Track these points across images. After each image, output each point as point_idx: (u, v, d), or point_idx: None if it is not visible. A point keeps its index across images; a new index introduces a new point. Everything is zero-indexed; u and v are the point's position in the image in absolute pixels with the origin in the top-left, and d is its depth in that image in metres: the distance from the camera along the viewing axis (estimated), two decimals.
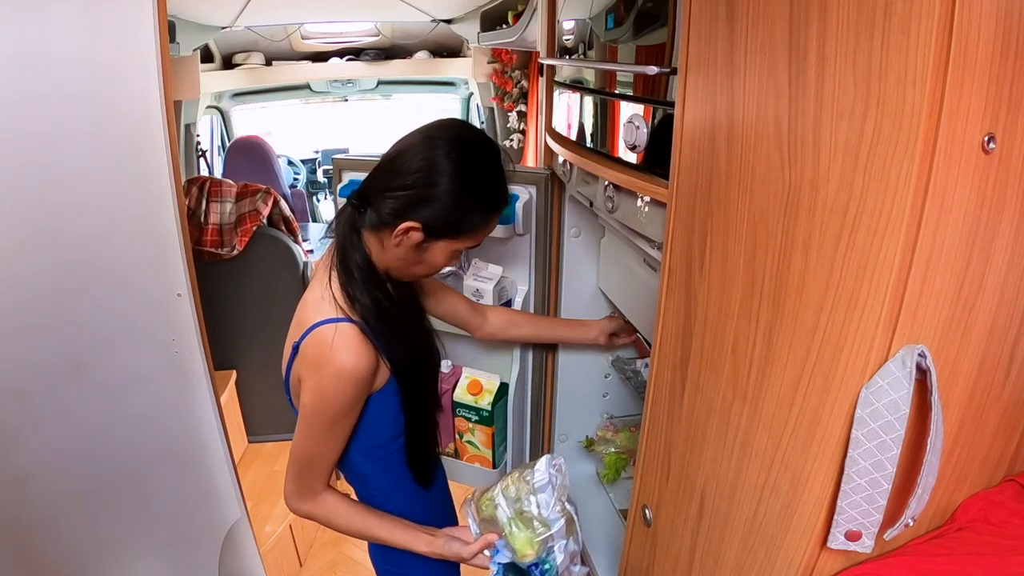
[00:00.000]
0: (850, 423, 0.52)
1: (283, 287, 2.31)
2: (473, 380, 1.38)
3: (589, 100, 1.05)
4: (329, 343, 0.86)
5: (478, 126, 4.18)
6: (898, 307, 0.49)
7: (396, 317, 0.93)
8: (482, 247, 1.04)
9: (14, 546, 1.27)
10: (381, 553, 1.07)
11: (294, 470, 0.96)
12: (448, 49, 3.81)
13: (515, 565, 0.98)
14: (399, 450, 1.00)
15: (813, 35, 0.51)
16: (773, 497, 0.62)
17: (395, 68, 3.78)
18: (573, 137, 1.12)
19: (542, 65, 1.28)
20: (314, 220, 4.74)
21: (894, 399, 0.49)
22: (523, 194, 1.27)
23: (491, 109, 3.70)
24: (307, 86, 3.97)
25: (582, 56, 1.07)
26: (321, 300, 0.90)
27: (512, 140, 3.60)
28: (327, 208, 4.93)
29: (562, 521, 0.96)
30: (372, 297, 0.90)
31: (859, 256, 0.50)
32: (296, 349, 0.90)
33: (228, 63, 3.51)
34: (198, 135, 3.36)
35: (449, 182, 0.85)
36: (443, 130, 0.89)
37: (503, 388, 1.39)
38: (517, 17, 2.54)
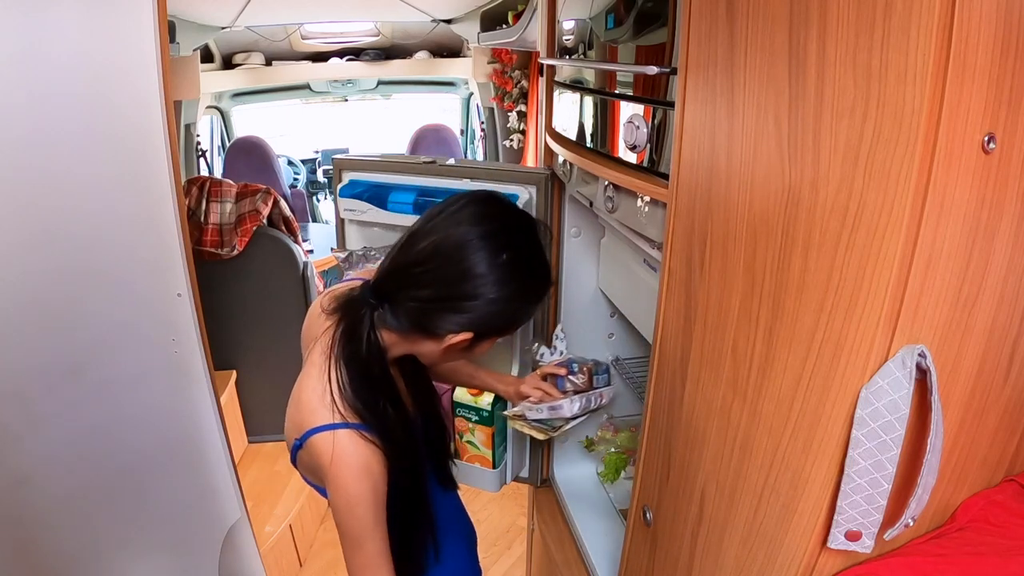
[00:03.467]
0: (850, 423, 0.52)
1: (283, 287, 2.31)
2: None
3: (589, 100, 1.05)
4: (328, 457, 0.79)
5: (479, 122, 4.17)
6: (898, 307, 0.49)
7: (395, 426, 0.85)
8: None
9: (14, 546, 1.27)
10: None
11: None
12: (448, 49, 3.82)
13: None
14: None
15: (813, 35, 0.51)
16: (773, 497, 0.62)
17: (395, 68, 3.78)
18: (573, 137, 1.12)
19: (542, 65, 1.28)
20: (314, 220, 4.75)
21: (894, 399, 0.49)
22: (523, 194, 1.27)
23: (491, 109, 3.71)
24: (307, 86, 3.97)
25: (582, 56, 1.07)
26: (320, 399, 0.82)
27: (512, 140, 3.60)
28: (327, 208, 4.94)
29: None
30: (375, 402, 0.84)
31: (859, 256, 0.50)
32: (297, 447, 0.84)
33: (228, 63, 3.51)
34: (198, 135, 3.36)
35: (499, 290, 0.79)
36: (475, 224, 0.79)
37: None
38: (517, 17, 2.55)
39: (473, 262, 0.78)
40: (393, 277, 0.84)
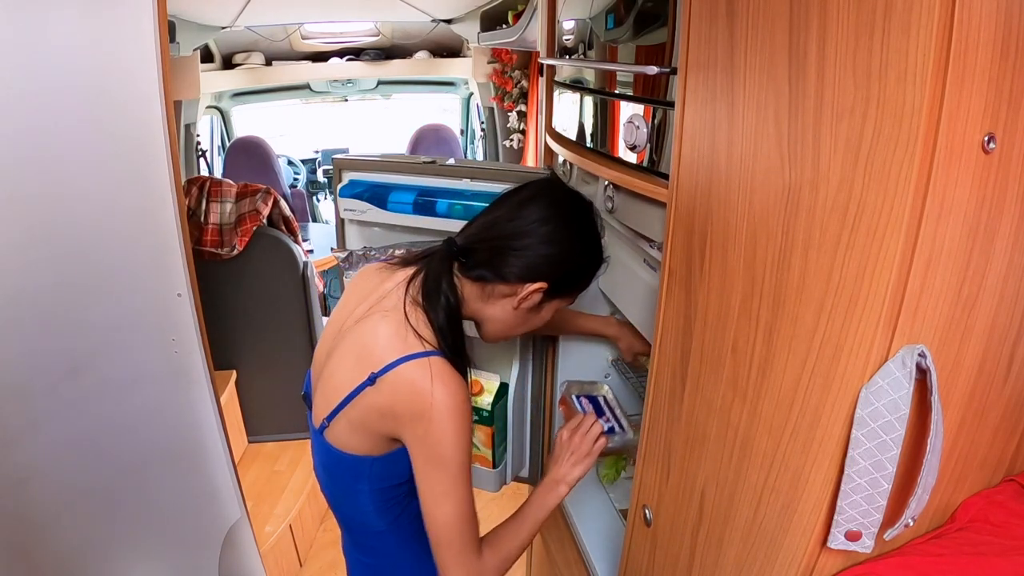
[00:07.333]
0: (850, 423, 0.52)
1: (283, 287, 2.31)
2: (473, 380, 1.37)
3: (589, 100, 1.05)
4: (429, 382, 0.80)
5: (478, 123, 4.18)
6: (898, 307, 0.49)
7: (466, 368, 0.90)
8: None
9: (14, 546, 1.27)
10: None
11: (456, 542, 0.83)
12: (448, 49, 3.82)
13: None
14: (408, 495, 0.93)
15: (813, 35, 0.51)
16: (773, 497, 0.62)
17: (395, 68, 3.78)
18: (573, 137, 1.12)
19: (542, 65, 1.28)
20: (314, 220, 4.75)
21: (894, 399, 0.49)
22: None
23: (491, 109, 3.71)
24: (307, 86, 3.98)
25: (582, 56, 1.07)
26: (404, 335, 0.84)
27: (512, 140, 3.60)
28: (327, 208, 4.93)
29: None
30: (456, 337, 0.88)
31: (859, 256, 0.50)
32: (372, 380, 0.83)
33: (228, 63, 3.51)
34: (198, 135, 3.36)
35: (571, 243, 0.89)
36: (552, 189, 0.92)
37: (503, 388, 1.39)
38: (517, 17, 2.55)
39: (550, 214, 0.87)
40: (476, 232, 0.90)
